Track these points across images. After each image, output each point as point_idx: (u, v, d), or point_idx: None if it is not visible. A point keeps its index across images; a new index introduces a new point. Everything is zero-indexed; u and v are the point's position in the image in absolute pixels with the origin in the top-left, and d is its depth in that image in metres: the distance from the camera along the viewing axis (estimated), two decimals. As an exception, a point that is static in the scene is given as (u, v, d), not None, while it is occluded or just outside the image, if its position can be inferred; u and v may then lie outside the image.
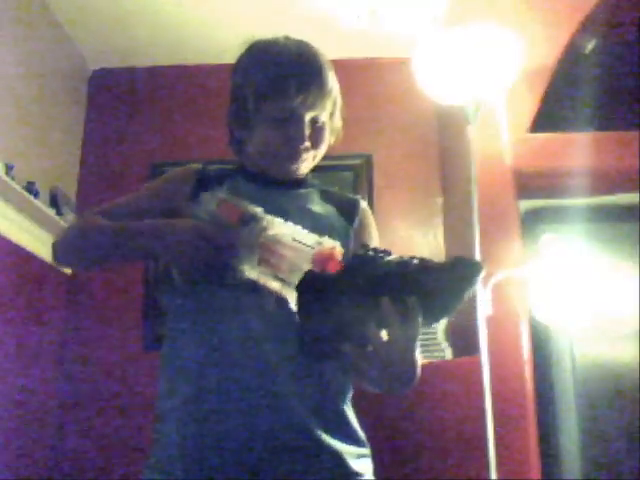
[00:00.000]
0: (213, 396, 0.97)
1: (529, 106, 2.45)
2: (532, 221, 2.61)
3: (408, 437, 2.24)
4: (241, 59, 1.17)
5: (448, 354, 2.39)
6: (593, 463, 2.26)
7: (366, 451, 1.05)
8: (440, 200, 2.99)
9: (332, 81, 1.13)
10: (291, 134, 1.09)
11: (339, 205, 1.19)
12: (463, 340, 2.38)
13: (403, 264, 0.85)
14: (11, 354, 2.34)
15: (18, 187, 2.24)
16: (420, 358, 0.92)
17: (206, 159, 3.26)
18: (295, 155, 1.12)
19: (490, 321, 2.06)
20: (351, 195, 1.27)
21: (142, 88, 3.20)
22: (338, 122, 1.19)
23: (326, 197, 1.20)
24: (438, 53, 2.02)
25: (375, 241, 1.20)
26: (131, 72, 3.21)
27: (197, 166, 1.20)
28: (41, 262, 2.59)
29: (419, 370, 0.92)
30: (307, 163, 1.15)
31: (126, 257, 1.21)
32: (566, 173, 2.45)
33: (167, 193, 1.17)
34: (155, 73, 3.20)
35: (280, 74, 1.09)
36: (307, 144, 1.10)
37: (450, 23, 2.65)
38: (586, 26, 2.33)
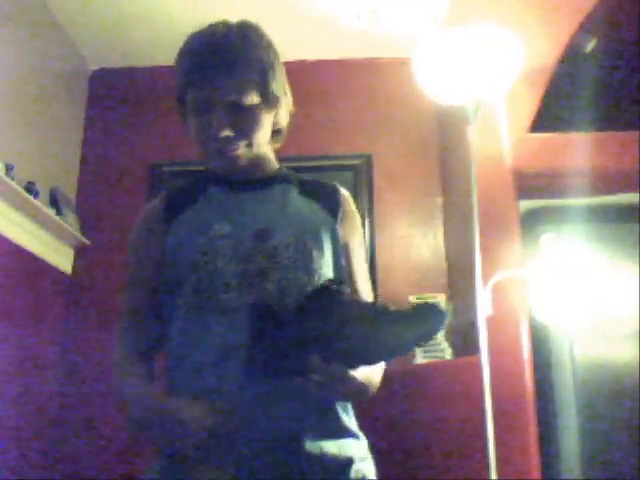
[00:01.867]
0: (213, 396, 0.97)
1: (529, 106, 2.45)
2: (532, 221, 2.61)
3: (408, 437, 2.24)
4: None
5: (448, 354, 2.39)
6: (593, 463, 2.26)
7: (367, 453, 1.05)
8: (440, 200, 2.99)
9: (255, 58, 1.05)
10: (207, 124, 1.03)
11: (321, 198, 1.14)
12: (463, 340, 2.38)
13: (364, 310, 0.87)
14: (11, 354, 2.34)
15: (18, 187, 2.24)
16: (363, 377, 0.95)
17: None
18: (220, 146, 1.04)
19: (490, 321, 2.06)
20: (329, 183, 1.19)
21: (142, 88, 3.20)
22: (281, 102, 1.10)
23: (305, 191, 1.14)
24: (438, 53, 2.02)
25: (358, 233, 1.17)
26: (131, 72, 3.21)
27: (162, 195, 1.16)
28: (41, 262, 2.59)
29: (369, 387, 1.00)
30: (244, 152, 1.06)
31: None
32: (566, 173, 2.45)
33: (150, 248, 1.12)
34: (155, 73, 3.20)
35: (188, 62, 1.06)
36: (226, 132, 1.02)
37: (450, 23, 2.65)
38: (586, 26, 2.33)
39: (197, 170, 1.18)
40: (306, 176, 1.20)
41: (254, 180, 1.12)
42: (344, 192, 1.19)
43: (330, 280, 0.94)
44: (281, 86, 1.11)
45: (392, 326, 0.85)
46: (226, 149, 1.05)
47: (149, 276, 1.11)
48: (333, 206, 1.13)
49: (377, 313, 0.86)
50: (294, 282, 1.01)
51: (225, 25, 1.10)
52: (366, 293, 1.14)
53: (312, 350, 0.86)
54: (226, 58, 1.03)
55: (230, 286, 1.01)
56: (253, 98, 1.04)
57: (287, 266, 1.02)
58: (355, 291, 1.12)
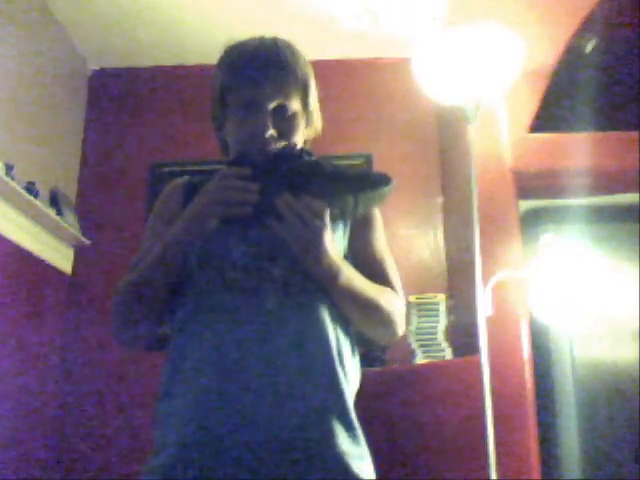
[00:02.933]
0: (213, 397, 0.97)
1: (529, 106, 2.45)
2: (532, 221, 2.61)
3: (408, 437, 2.23)
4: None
5: (448, 354, 2.39)
6: (593, 463, 2.26)
7: (367, 453, 1.05)
8: (440, 200, 2.99)
9: (300, 71, 1.13)
10: (253, 122, 1.09)
11: None
12: (463, 340, 2.38)
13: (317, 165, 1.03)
14: (12, 354, 2.34)
15: (18, 187, 2.24)
16: (335, 260, 1.03)
17: (206, 159, 3.26)
18: (262, 145, 1.09)
19: (490, 321, 2.06)
20: None
21: (142, 88, 3.20)
22: (316, 114, 1.19)
23: None
24: (438, 53, 2.02)
25: (376, 230, 1.23)
26: (131, 72, 3.21)
27: (183, 180, 1.22)
28: (41, 262, 2.59)
29: (337, 274, 1.03)
30: None
31: (170, 274, 1.09)
32: (566, 173, 2.45)
33: (168, 220, 1.14)
34: (155, 73, 3.20)
35: (240, 65, 1.11)
36: (271, 132, 1.08)
37: (450, 23, 2.65)
38: (586, 26, 2.33)
39: (209, 170, 1.21)
40: None
41: None
42: None
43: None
44: (315, 101, 1.20)
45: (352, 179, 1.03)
46: (267, 147, 1.09)
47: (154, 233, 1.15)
48: None
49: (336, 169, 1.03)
50: (301, 270, 1.04)
51: (270, 38, 1.16)
52: (396, 283, 1.20)
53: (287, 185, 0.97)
54: (277, 66, 1.11)
55: (237, 266, 1.04)
56: (297, 105, 1.13)
57: (296, 256, 1.04)
58: (386, 280, 1.17)
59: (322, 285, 1.04)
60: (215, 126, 1.20)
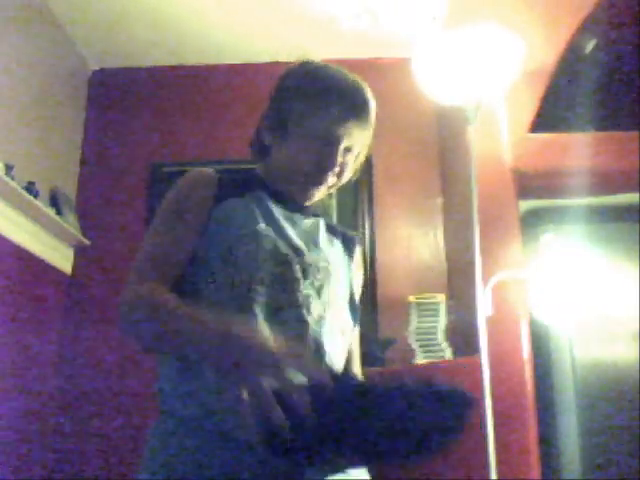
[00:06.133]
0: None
1: (529, 106, 2.45)
2: (532, 221, 2.61)
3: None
4: (295, 70, 1.19)
5: (448, 354, 2.39)
6: (593, 463, 2.26)
7: None
8: (440, 200, 2.99)
9: (374, 121, 1.17)
10: (324, 156, 1.11)
11: (342, 239, 1.24)
12: (463, 340, 2.38)
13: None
14: (11, 354, 2.34)
15: (18, 187, 2.24)
16: None
17: (206, 159, 3.25)
18: (321, 178, 1.13)
19: (490, 321, 2.06)
20: (350, 231, 1.31)
21: (142, 88, 3.20)
22: (361, 161, 1.22)
23: (330, 229, 1.24)
24: (438, 53, 2.02)
25: (360, 280, 1.27)
26: (131, 72, 3.21)
27: (213, 173, 1.15)
28: (41, 262, 2.59)
29: None
30: (323, 191, 1.17)
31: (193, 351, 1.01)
32: (566, 173, 2.45)
33: (197, 210, 1.09)
34: (155, 73, 3.20)
35: (333, 95, 1.12)
36: (337, 170, 1.13)
37: (450, 23, 2.65)
38: (586, 26, 2.33)
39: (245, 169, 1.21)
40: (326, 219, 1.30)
41: (294, 203, 1.18)
42: (359, 242, 1.31)
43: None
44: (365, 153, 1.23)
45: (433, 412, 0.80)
46: (325, 182, 1.14)
47: (185, 235, 1.06)
48: (350, 249, 1.25)
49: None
50: (316, 301, 1.07)
51: (358, 79, 1.19)
52: (355, 344, 1.23)
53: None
54: (364, 111, 1.14)
55: (264, 282, 1.03)
56: (358, 149, 1.17)
57: (314, 285, 1.08)
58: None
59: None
60: (268, 131, 1.17)
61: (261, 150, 1.20)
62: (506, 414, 2.08)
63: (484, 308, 2.05)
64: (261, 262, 1.04)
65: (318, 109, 1.11)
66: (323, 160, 1.11)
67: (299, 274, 1.07)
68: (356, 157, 1.18)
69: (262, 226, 1.08)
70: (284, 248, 1.08)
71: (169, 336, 0.94)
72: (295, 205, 1.17)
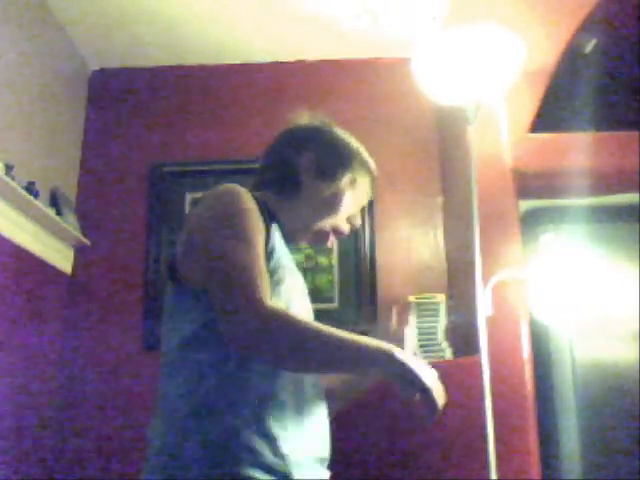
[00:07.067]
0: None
1: (529, 106, 2.45)
2: (532, 221, 2.61)
3: (408, 437, 2.23)
4: (334, 133, 1.39)
5: (448, 354, 2.39)
6: (593, 463, 2.26)
7: None
8: (440, 200, 2.99)
9: None
10: (345, 226, 1.30)
11: None
12: (463, 340, 2.38)
13: None
14: (11, 354, 2.34)
15: (18, 187, 2.24)
16: None
17: (206, 159, 3.25)
18: (329, 240, 1.30)
19: (490, 321, 2.06)
20: None
21: (142, 88, 3.20)
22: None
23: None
24: (438, 53, 2.02)
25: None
26: (131, 72, 3.21)
27: (251, 194, 1.16)
28: (41, 262, 2.59)
29: None
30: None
31: (339, 369, 1.24)
32: (566, 173, 2.45)
33: (260, 229, 1.12)
34: (155, 73, 3.20)
35: (371, 170, 1.36)
36: (347, 232, 1.32)
37: (450, 23, 2.65)
38: (586, 26, 2.33)
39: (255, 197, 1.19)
40: None
41: (288, 239, 1.26)
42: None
43: None
44: None
45: None
46: (329, 242, 1.31)
47: (261, 251, 1.09)
48: None
49: None
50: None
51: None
52: None
53: None
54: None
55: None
56: None
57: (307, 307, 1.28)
58: None
59: None
60: (316, 172, 1.27)
61: (288, 186, 1.25)
62: (506, 414, 2.08)
63: (484, 308, 2.05)
64: (298, 296, 1.20)
65: (366, 178, 1.32)
66: (342, 229, 1.29)
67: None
68: None
69: (289, 260, 1.21)
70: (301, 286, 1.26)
71: (318, 351, 1.04)
72: (287, 239, 1.25)
